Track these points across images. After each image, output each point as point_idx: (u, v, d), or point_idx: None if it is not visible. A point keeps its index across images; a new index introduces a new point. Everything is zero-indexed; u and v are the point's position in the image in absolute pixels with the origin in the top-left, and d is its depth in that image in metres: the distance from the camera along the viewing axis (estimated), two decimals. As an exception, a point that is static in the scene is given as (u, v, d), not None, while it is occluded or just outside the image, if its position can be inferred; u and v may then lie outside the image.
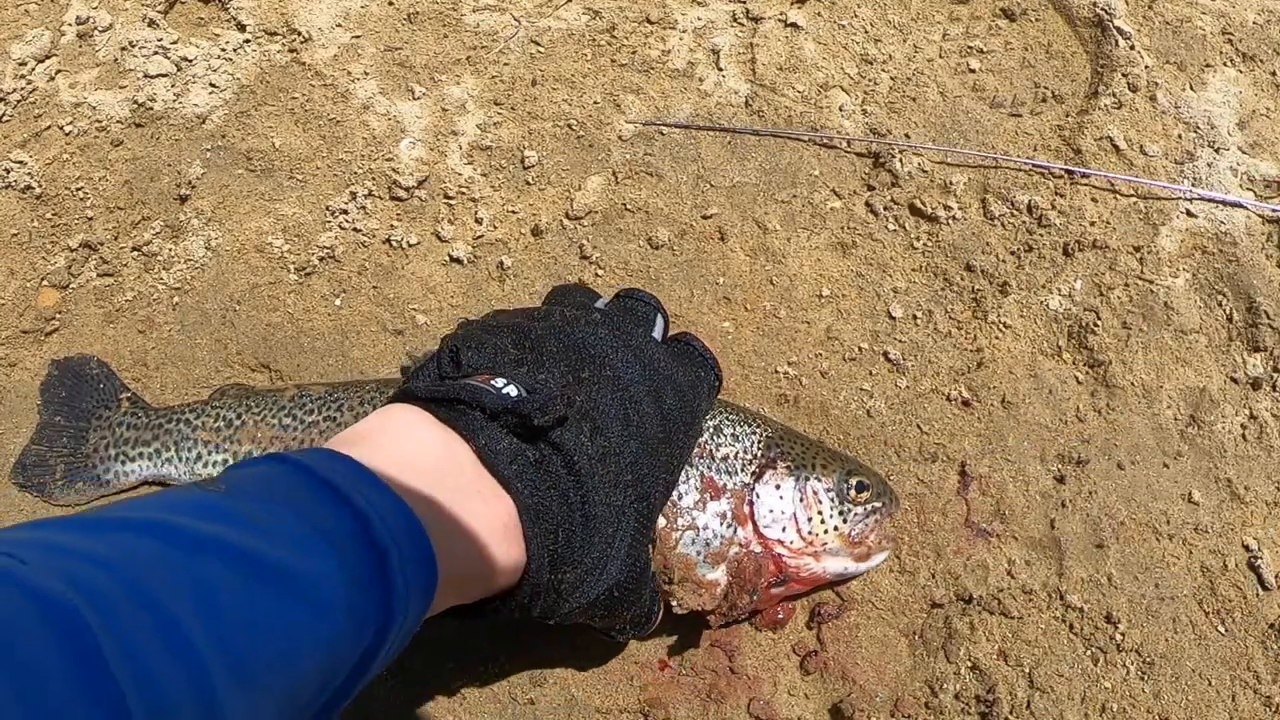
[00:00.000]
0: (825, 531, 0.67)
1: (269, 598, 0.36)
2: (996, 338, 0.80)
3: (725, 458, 0.67)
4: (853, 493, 0.68)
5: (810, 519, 0.67)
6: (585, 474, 0.52)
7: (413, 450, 0.49)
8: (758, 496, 0.66)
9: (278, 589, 0.36)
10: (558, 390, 0.54)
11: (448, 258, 0.85)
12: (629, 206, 0.85)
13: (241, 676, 0.34)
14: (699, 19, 0.92)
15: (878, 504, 0.69)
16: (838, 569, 0.69)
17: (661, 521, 0.63)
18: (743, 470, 0.67)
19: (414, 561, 0.43)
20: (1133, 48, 0.88)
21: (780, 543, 0.66)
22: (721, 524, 0.65)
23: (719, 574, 0.65)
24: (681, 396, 0.61)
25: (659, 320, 0.65)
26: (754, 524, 0.66)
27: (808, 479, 0.68)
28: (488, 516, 0.49)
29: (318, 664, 0.37)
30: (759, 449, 0.68)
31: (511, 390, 0.53)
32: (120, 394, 0.78)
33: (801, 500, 0.67)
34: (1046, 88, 0.88)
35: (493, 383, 0.54)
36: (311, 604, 0.37)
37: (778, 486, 0.67)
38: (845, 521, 0.68)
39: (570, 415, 0.54)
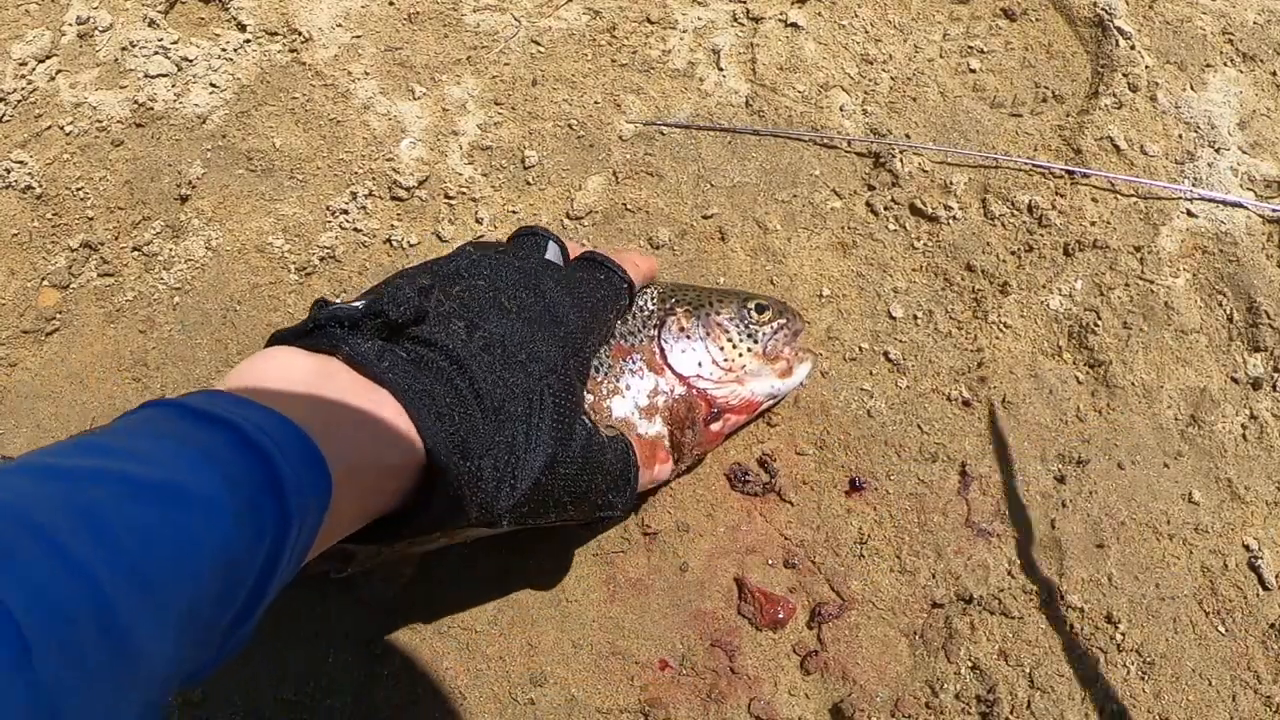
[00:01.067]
0: (740, 355, 0.71)
1: (154, 511, 0.36)
2: (997, 338, 0.80)
3: (625, 322, 0.70)
4: (754, 314, 0.72)
5: (722, 347, 0.71)
6: (466, 358, 0.53)
7: (281, 373, 0.49)
8: (666, 343, 0.70)
9: (163, 502, 0.37)
10: (413, 292, 0.56)
11: (448, 258, 0.85)
12: (629, 206, 0.85)
13: (136, 584, 0.34)
14: (699, 19, 0.92)
15: (781, 320, 0.73)
16: (766, 389, 0.72)
17: (590, 398, 0.66)
18: (644, 327, 0.71)
19: (300, 460, 0.43)
20: (1133, 48, 0.88)
21: (699, 377, 0.70)
22: (641, 379, 0.68)
23: (657, 426, 0.68)
24: (563, 283, 0.63)
25: (550, 245, 0.67)
26: (670, 369, 0.70)
27: (708, 314, 0.72)
28: (369, 409, 0.49)
29: (218, 569, 0.38)
30: (654, 305, 0.72)
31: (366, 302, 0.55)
32: None
33: (708, 334, 0.71)
34: (1047, 88, 0.88)
35: (351, 303, 0.55)
36: (200, 512, 0.38)
37: (681, 328, 0.71)
38: (756, 341, 0.72)
39: (433, 312, 0.56)
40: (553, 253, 0.66)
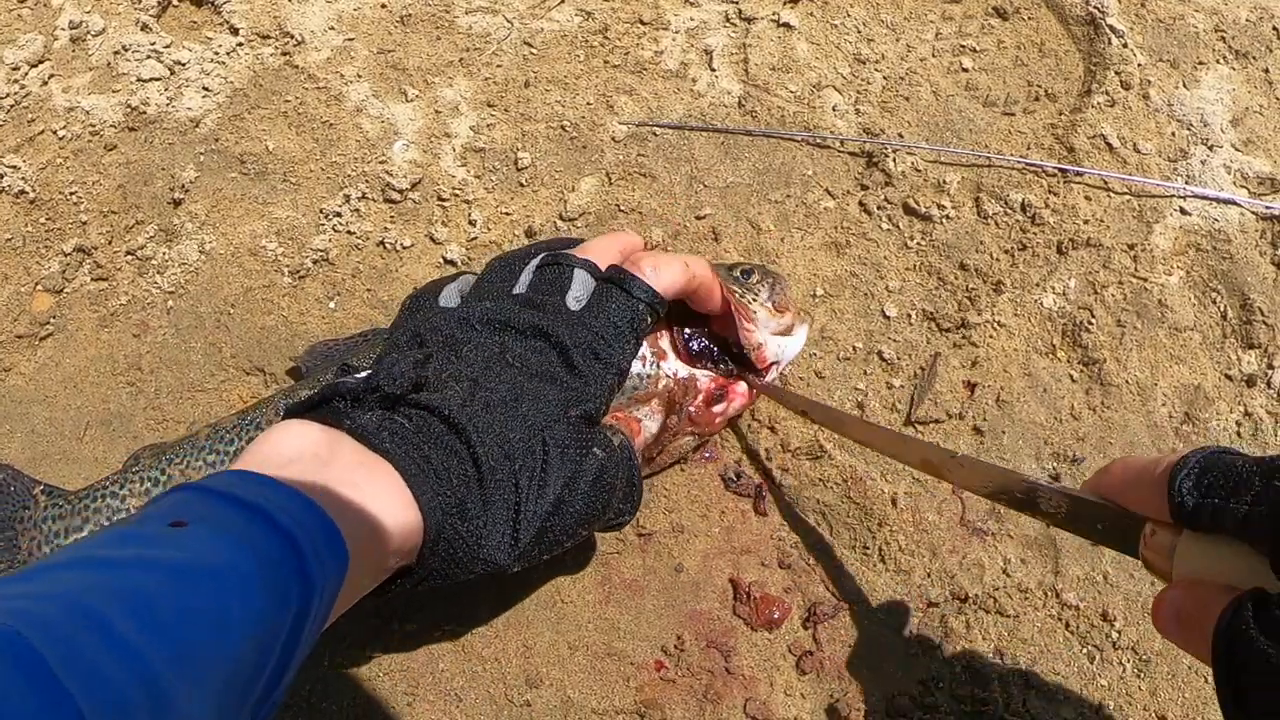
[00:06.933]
0: (755, 312, 0.72)
1: (192, 592, 0.39)
2: (991, 336, 0.80)
3: None
4: (744, 279, 0.74)
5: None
6: (463, 420, 0.55)
7: (295, 450, 0.52)
8: (673, 328, 0.71)
9: (199, 583, 0.39)
10: (410, 363, 0.58)
11: (441, 260, 0.85)
12: (622, 207, 0.85)
13: (181, 662, 0.36)
14: (691, 20, 0.92)
15: (770, 280, 0.75)
16: (774, 348, 0.73)
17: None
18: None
19: (321, 536, 0.46)
20: (1125, 45, 0.88)
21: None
22: (644, 366, 0.68)
23: (649, 410, 0.69)
24: (574, 324, 0.62)
25: (577, 273, 0.65)
26: (677, 352, 0.70)
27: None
28: (374, 480, 0.52)
29: (250, 640, 0.40)
30: None
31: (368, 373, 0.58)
32: (33, 490, 0.74)
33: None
34: (1039, 86, 0.88)
35: (355, 374, 0.58)
36: (233, 589, 0.40)
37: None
38: (756, 297, 0.73)
39: (433, 377, 0.58)
40: (580, 280, 0.65)
